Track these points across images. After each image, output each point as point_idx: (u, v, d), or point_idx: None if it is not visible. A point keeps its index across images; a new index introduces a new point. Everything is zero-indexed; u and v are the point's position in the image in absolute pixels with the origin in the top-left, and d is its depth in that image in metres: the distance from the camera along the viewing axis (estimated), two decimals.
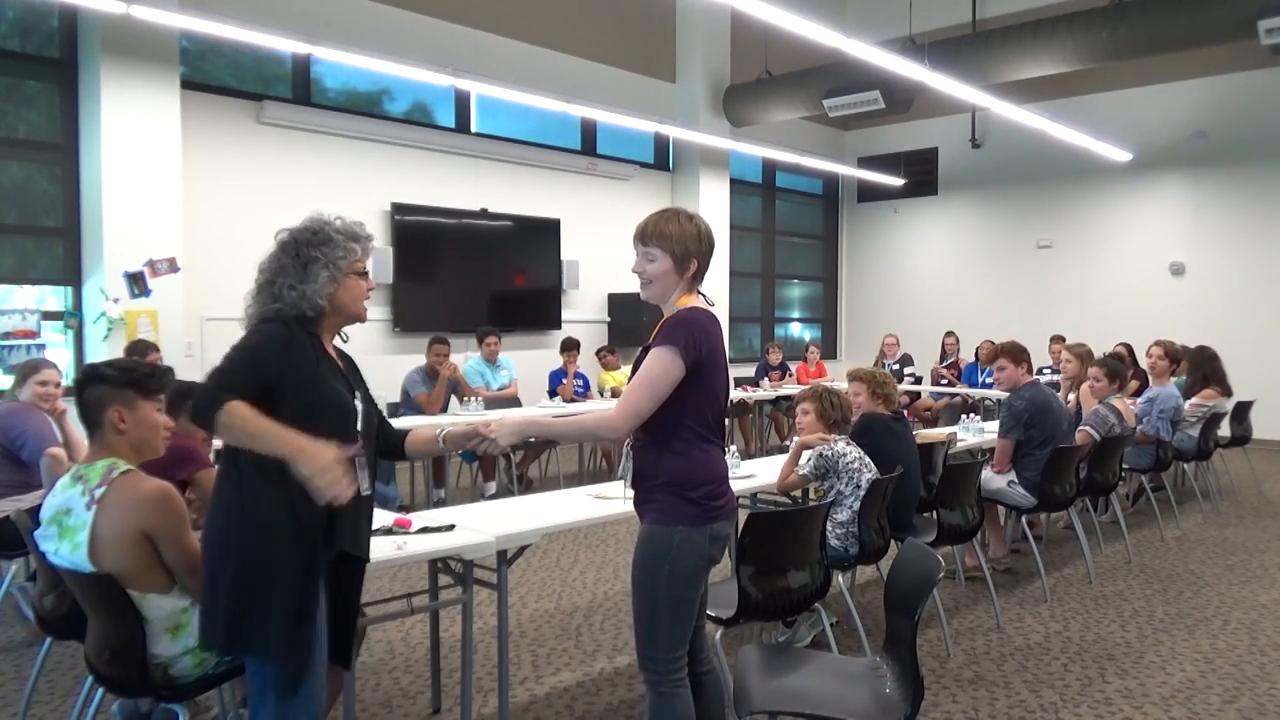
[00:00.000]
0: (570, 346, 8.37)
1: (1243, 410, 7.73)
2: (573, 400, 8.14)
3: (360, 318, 2.33)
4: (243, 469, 2.14)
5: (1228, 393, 7.15)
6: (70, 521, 2.39)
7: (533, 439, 2.45)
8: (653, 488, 2.41)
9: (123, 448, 2.47)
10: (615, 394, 7.92)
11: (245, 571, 2.10)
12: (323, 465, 1.99)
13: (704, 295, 2.51)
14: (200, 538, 2.24)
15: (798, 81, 10.31)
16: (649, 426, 2.39)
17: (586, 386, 8.48)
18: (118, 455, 2.44)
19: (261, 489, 2.11)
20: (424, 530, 3.09)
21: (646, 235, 2.45)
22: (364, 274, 2.32)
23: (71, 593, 2.67)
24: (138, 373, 2.52)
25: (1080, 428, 5.46)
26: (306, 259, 2.21)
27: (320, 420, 2.14)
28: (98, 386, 2.47)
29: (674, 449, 2.37)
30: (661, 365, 2.32)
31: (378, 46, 7.80)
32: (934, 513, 4.36)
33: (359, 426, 2.28)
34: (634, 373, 2.45)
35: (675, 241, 2.42)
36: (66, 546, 2.38)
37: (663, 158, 11.72)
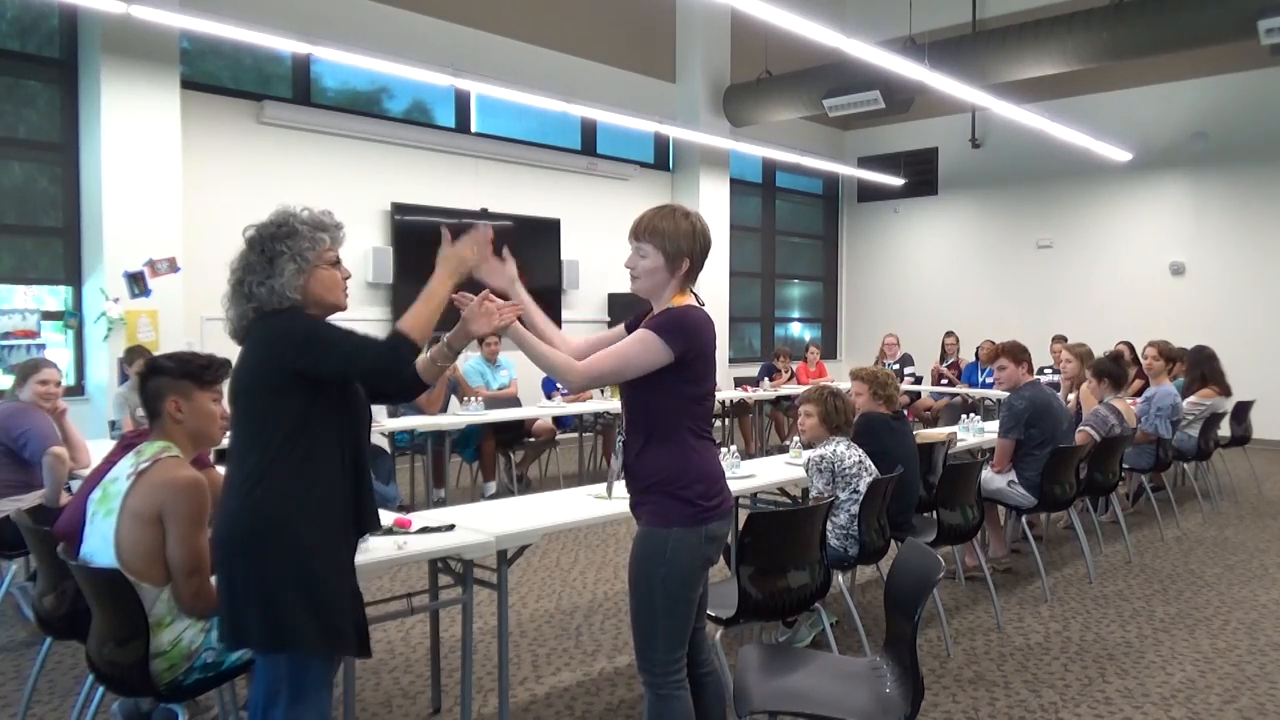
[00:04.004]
0: None
1: (1243, 410, 7.73)
2: (573, 400, 8.14)
3: (339, 307, 2.31)
4: (255, 470, 2.15)
5: (1226, 392, 7.15)
6: (113, 489, 2.49)
7: (502, 334, 2.39)
8: (646, 488, 2.39)
9: (180, 436, 2.59)
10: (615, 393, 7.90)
11: (269, 572, 2.11)
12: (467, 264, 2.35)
13: (696, 295, 2.50)
14: (209, 539, 2.25)
15: (798, 81, 10.32)
16: (642, 425, 2.39)
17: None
18: (174, 441, 2.57)
19: (268, 491, 2.13)
20: (424, 530, 3.09)
21: (640, 231, 2.43)
22: (336, 263, 2.29)
23: (72, 592, 2.69)
24: (194, 364, 2.63)
25: (1080, 428, 5.46)
26: (272, 254, 2.19)
27: (352, 398, 2.25)
28: (157, 378, 2.60)
29: (667, 447, 2.36)
30: (643, 346, 2.31)
31: (378, 46, 7.80)
32: (934, 513, 4.36)
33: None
34: None
35: (668, 239, 2.40)
36: (103, 511, 2.48)
37: (663, 158, 11.72)
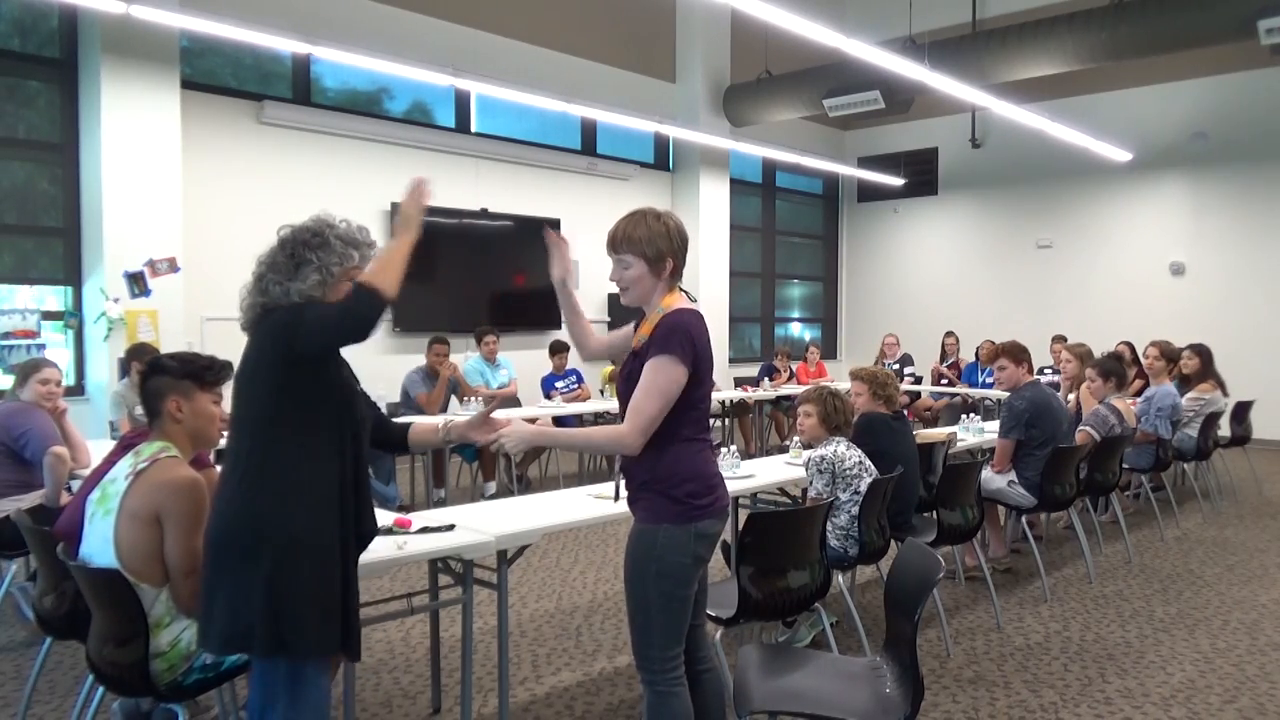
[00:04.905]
0: (560, 349, 8.38)
1: (1243, 410, 7.73)
2: (573, 400, 8.14)
3: None
4: (250, 469, 2.16)
5: (1223, 389, 7.19)
6: (111, 489, 2.49)
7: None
8: (640, 486, 2.42)
9: (179, 436, 2.58)
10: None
11: (277, 574, 2.10)
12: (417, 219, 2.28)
13: (686, 292, 2.51)
14: (203, 540, 2.25)
15: (798, 81, 10.32)
16: None
17: (580, 381, 8.45)
18: (173, 442, 2.57)
19: (268, 490, 2.13)
20: (424, 530, 3.09)
21: (617, 242, 2.45)
22: None
23: (72, 592, 2.69)
24: (197, 365, 2.63)
25: (1080, 428, 5.46)
26: (300, 259, 2.22)
27: (334, 399, 2.23)
28: (159, 377, 2.59)
29: (661, 448, 2.37)
30: (667, 375, 2.32)
31: (378, 46, 7.80)
32: (934, 513, 4.36)
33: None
34: (624, 378, 2.45)
35: (646, 244, 2.41)
36: (101, 511, 2.48)
37: (663, 158, 11.72)
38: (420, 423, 2.57)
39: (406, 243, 2.23)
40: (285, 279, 2.21)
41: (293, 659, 2.14)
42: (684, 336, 2.34)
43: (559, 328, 9.93)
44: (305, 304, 2.19)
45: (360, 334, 2.13)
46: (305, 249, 2.23)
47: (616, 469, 2.51)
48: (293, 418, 2.16)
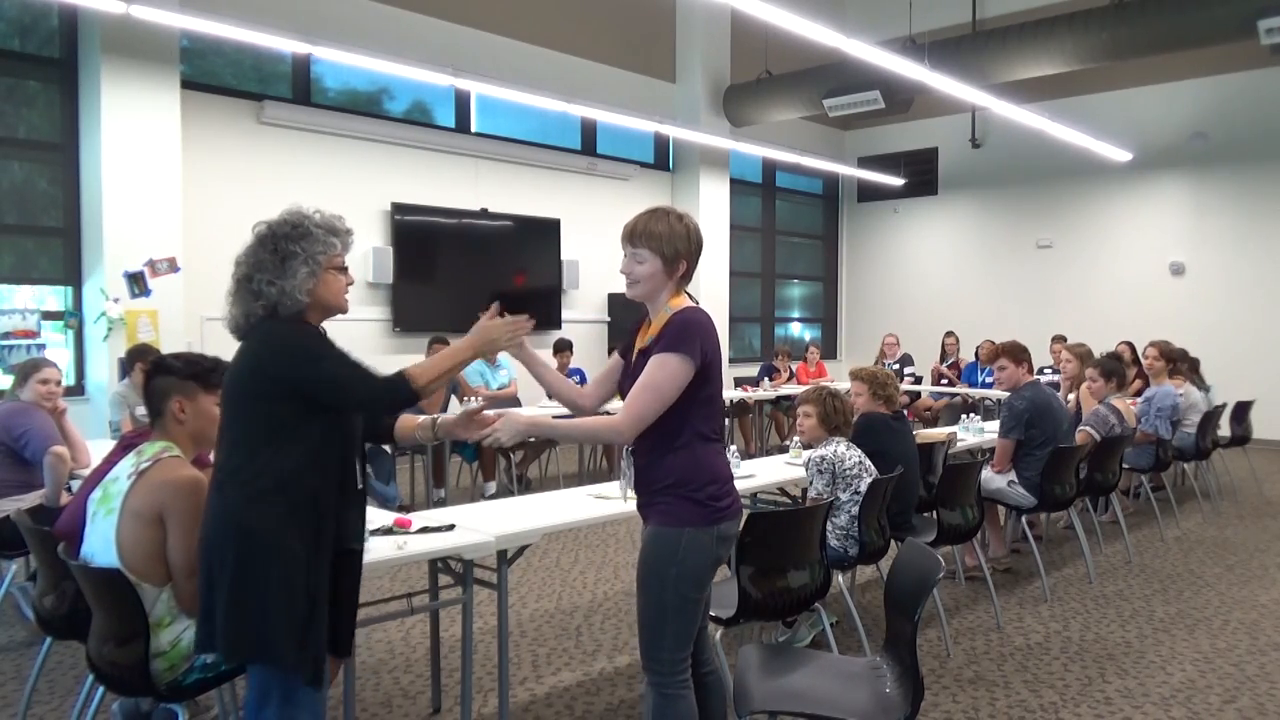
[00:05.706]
0: (563, 348, 8.38)
1: (1243, 410, 7.73)
2: None
3: (341, 310, 2.31)
4: (229, 480, 2.16)
5: (1194, 382, 7.24)
6: (113, 489, 2.49)
7: (533, 439, 2.48)
8: (658, 490, 2.39)
9: (181, 436, 2.59)
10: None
11: (245, 579, 2.10)
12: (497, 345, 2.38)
13: (690, 295, 2.50)
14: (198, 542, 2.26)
15: (798, 81, 10.32)
16: (653, 428, 2.38)
17: (584, 381, 8.46)
18: (175, 442, 2.57)
19: (253, 497, 2.13)
20: (424, 530, 3.09)
21: (635, 236, 2.42)
22: (343, 269, 2.30)
23: (72, 592, 2.69)
24: (201, 366, 2.63)
25: (1080, 428, 5.46)
26: (285, 254, 2.18)
27: (321, 416, 2.22)
28: (164, 377, 2.59)
29: (679, 450, 2.36)
30: (668, 370, 2.30)
31: (378, 46, 7.80)
32: (934, 513, 4.36)
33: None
34: (630, 378, 2.45)
35: (665, 242, 2.39)
36: (103, 511, 2.48)
37: (663, 158, 11.72)
38: (408, 417, 2.55)
39: (464, 352, 2.33)
40: (275, 277, 2.17)
41: (258, 664, 2.14)
42: (697, 336, 2.33)
43: (559, 327, 9.93)
44: (323, 356, 2.16)
45: (377, 416, 2.33)
46: (288, 242, 2.19)
47: (625, 467, 2.49)
48: (284, 426, 2.14)
